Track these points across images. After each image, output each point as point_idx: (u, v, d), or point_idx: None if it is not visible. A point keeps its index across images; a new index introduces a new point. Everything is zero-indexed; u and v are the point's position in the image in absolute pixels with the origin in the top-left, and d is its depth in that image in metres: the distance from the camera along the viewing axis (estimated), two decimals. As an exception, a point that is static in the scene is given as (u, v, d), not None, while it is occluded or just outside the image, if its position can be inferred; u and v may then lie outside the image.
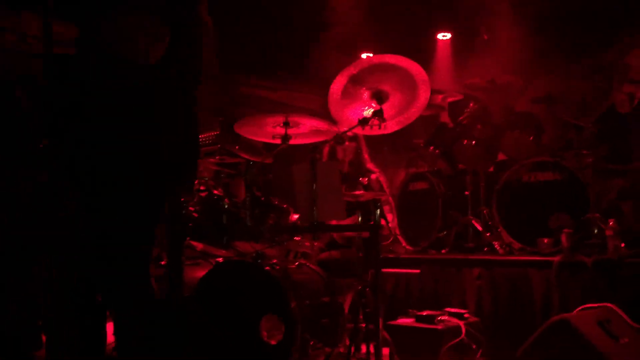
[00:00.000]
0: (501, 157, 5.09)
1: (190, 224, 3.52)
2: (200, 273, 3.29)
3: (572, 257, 3.76)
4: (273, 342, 2.97)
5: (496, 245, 4.46)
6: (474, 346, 3.48)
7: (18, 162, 3.15)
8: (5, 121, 3.21)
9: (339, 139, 4.29)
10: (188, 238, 3.56)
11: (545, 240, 4.07)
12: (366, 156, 4.55)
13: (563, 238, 3.91)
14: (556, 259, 3.77)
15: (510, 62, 5.60)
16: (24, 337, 3.01)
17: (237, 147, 3.93)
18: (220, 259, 3.55)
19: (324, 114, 4.08)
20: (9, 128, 3.22)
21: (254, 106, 5.88)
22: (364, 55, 5.69)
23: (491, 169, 5.00)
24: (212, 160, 3.91)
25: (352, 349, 3.34)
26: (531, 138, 4.67)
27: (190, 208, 3.60)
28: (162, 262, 3.60)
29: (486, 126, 4.92)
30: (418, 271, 4.30)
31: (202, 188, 3.63)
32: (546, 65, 5.75)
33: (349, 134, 4.17)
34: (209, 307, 3.16)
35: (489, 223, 4.63)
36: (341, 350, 3.36)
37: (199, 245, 3.59)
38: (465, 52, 6.35)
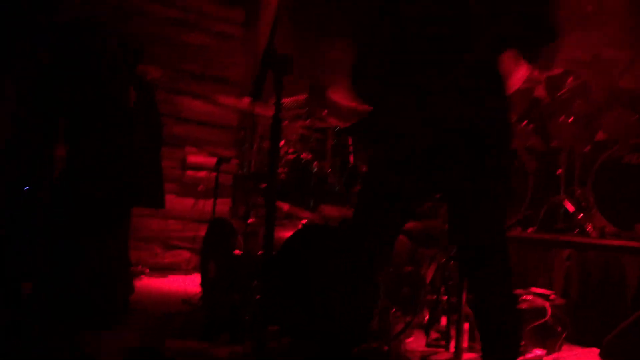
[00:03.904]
0: (601, 136, 4.82)
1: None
2: (286, 234, 3.34)
3: (673, 246, 3.56)
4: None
5: (588, 227, 4.27)
6: (558, 329, 3.36)
7: None
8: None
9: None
10: (275, 198, 3.62)
11: (645, 226, 3.85)
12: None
13: (665, 225, 3.70)
14: (655, 246, 3.57)
15: (616, 35, 5.25)
16: (119, 283, 3.19)
17: (325, 112, 3.93)
18: (305, 221, 3.59)
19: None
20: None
21: (345, 72, 5.83)
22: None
23: (589, 148, 4.75)
24: (301, 123, 3.93)
25: (431, 321, 3.33)
26: (637, 117, 4.39)
27: (278, 170, 3.66)
28: (249, 220, 3.70)
29: (586, 102, 4.66)
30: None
31: (290, 151, 3.67)
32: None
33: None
34: (291, 267, 3.22)
35: (582, 204, 4.42)
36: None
37: (285, 206, 3.64)
38: (565, 24, 6.01)
